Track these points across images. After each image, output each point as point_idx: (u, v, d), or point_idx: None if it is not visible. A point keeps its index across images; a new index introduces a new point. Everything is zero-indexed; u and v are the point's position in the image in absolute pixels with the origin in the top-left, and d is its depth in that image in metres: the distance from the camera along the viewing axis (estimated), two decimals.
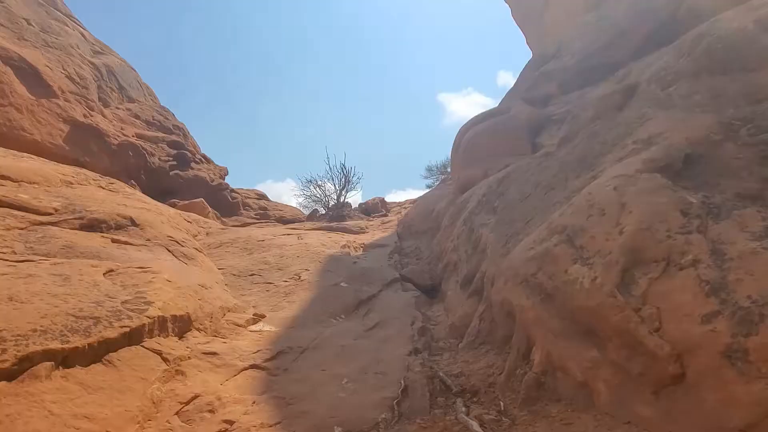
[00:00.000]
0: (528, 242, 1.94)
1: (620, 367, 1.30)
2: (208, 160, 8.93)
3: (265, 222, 7.92)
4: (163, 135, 8.04)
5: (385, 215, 8.82)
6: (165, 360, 1.76)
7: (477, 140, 4.46)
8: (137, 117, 7.81)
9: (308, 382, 1.83)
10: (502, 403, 1.57)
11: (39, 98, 5.78)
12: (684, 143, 1.69)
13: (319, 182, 10.06)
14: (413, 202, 8.81)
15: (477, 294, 2.46)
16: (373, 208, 9.79)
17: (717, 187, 1.49)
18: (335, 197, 9.83)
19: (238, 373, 1.88)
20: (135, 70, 8.70)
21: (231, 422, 1.51)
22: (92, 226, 2.98)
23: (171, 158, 7.85)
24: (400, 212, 8.41)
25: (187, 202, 6.77)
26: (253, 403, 1.65)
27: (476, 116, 4.92)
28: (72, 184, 3.88)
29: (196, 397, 1.63)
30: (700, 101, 1.93)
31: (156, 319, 1.86)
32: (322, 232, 5.42)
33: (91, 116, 6.53)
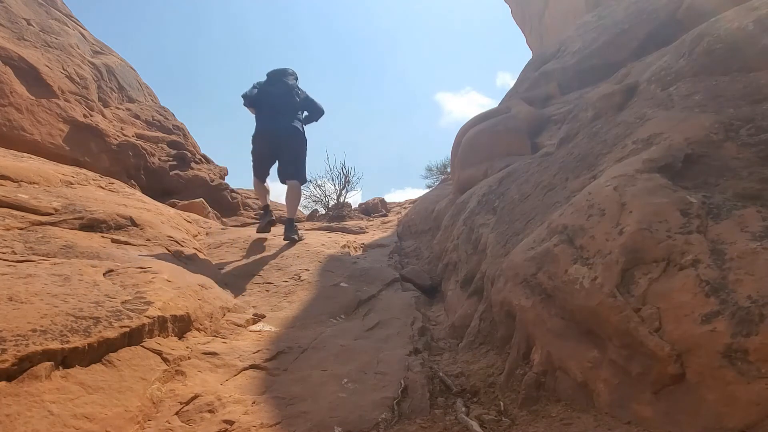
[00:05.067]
0: (528, 242, 1.94)
1: (620, 367, 1.30)
2: (208, 160, 8.93)
3: None
4: (163, 135, 8.04)
5: (385, 215, 8.81)
6: (165, 360, 1.76)
7: (477, 140, 4.45)
8: (137, 117, 7.81)
9: (308, 382, 1.83)
10: (502, 403, 1.57)
11: (39, 98, 5.78)
12: (684, 143, 1.69)
13: (319, 182, 10.12)
14: (413, 202, 8.81)
15: (477, 294, 2.46)
16: (373, 208, 9.78)
17: (717, 187, 1.49)
18: (335, 197, 9.85)
19: (238, 373, 1.88)
20: (135, 70, 8.70)
21: (231, 422, 1.50)
22: (92, 226, 2.98)
23: (171, 158, 7.85)
24: (400, 212, 8.40)
25: (187, 202, 6.77)
26: (253, 403, 1.64)
27: (476, 116, 4.92)
28: (72, 184, 3.88)
29: (196, 397, 1.62)
30: (700, 101, 1.93)
31: (156, 319, 1.86)
32: (321, 232, 5.42)
33: (91, 116, 6.53)
